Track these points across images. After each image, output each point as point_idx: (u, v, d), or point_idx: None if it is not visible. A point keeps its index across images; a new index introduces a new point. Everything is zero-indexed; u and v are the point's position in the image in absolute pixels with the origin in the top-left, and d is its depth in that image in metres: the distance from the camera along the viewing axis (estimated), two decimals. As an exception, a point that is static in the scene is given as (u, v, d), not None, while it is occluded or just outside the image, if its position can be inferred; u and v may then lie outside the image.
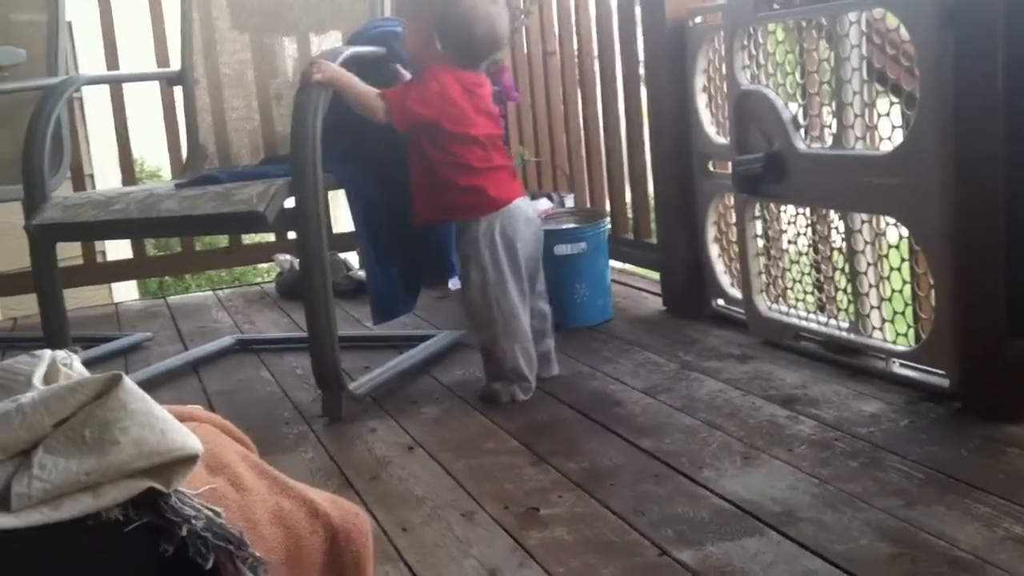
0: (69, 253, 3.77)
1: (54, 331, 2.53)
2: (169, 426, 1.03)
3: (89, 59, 4.52)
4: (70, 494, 0.97)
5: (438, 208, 2.38)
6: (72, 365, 1.19)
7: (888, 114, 2.23)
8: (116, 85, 3.86)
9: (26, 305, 3.30)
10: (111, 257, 4.38)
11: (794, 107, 2.44)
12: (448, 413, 2.29)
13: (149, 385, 2.43)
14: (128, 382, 1.05)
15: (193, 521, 0.98)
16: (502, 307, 2.31)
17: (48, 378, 1.13)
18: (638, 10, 3.08)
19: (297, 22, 2.92)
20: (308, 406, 2.40)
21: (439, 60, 2.30)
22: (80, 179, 3.86)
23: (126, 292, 5.24)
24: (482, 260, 2.30)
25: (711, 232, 2.82)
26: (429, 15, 2.32)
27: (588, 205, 3.63)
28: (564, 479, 1.84)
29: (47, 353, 1.18)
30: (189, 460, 1.02)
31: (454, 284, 2.71)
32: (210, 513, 1.00)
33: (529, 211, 2.39)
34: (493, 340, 2.33)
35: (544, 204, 3.18)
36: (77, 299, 3.68)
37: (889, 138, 2.19)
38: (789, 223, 2.55)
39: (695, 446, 1.94)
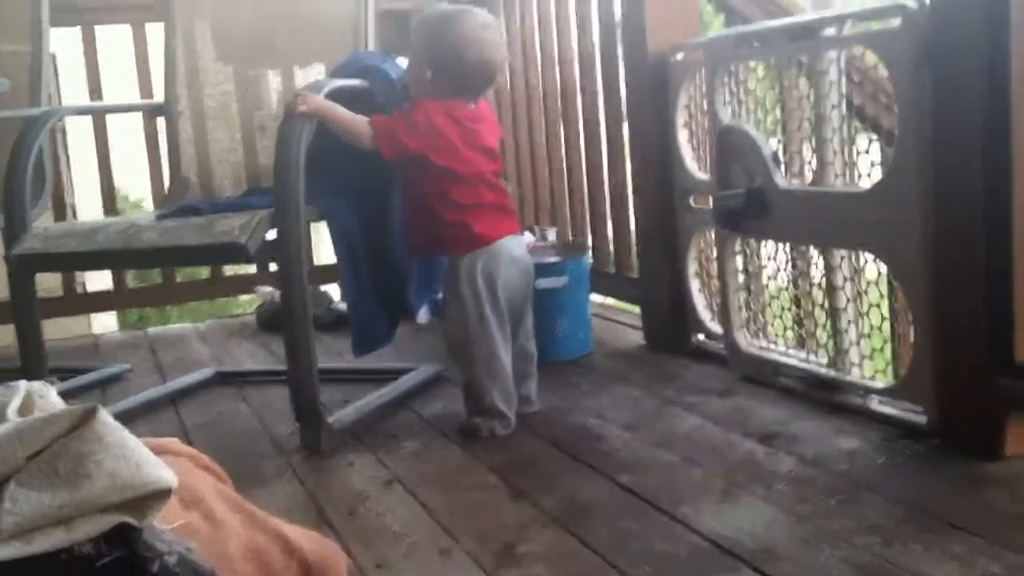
0: (49, 284, 3.75)
1: (31, 362, 2.51)
2: (144, 459, 1.02)
3: (73, 90, 4.52)
4: (42, 528, 0.96)
5: (428, 240, 2.38)
6: (48, 397, 1.18)
7: (867, 151, 2.25)
8: (99, 116, 3.86)
9: (3, 335, 3.27)
10: (91, 288, 4.36)
11: (774, 143, 2.46)
12: (427, 447, 2.28)
13: (126, 417, 2.41)
14: (104, 414, 1.04)
15: (166, 556, 0.97)
16: (482, 344, 2.30)
17: (23, 410, 1.12)
18: (620, 46, 3.11)
19: (281, 55, 2.92)
20: (286, 439, 2.38)
21: (432, 92, 2.30)
22: (61, 210, 3.84)
23: (106, 323, 5.21)
24: (463, 296, 2.30)
25: (692, 267, 2.83)
26: (421, 45, 2.33)
27: (570, 239, 3.64)
28: (542, 515, 1.83)
29: (22, 384, 1.17)
30: (163, 494, 1.01)
31: (422, 317, 2.70)
32: (183, 548, 0.99)
33: (516, 250, 2.37)
34: (472, 376, 2.32)
35: (527, 238, 3.18)
36: (56, 330, 3.66)
37: (868, 175, 2.21)
38: (769, 259, 2.56)
39: (674, 482, 1.94)
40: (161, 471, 1.01)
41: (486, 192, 2.34)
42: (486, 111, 2.38)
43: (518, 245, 2.39)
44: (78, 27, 3.81)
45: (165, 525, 1.02)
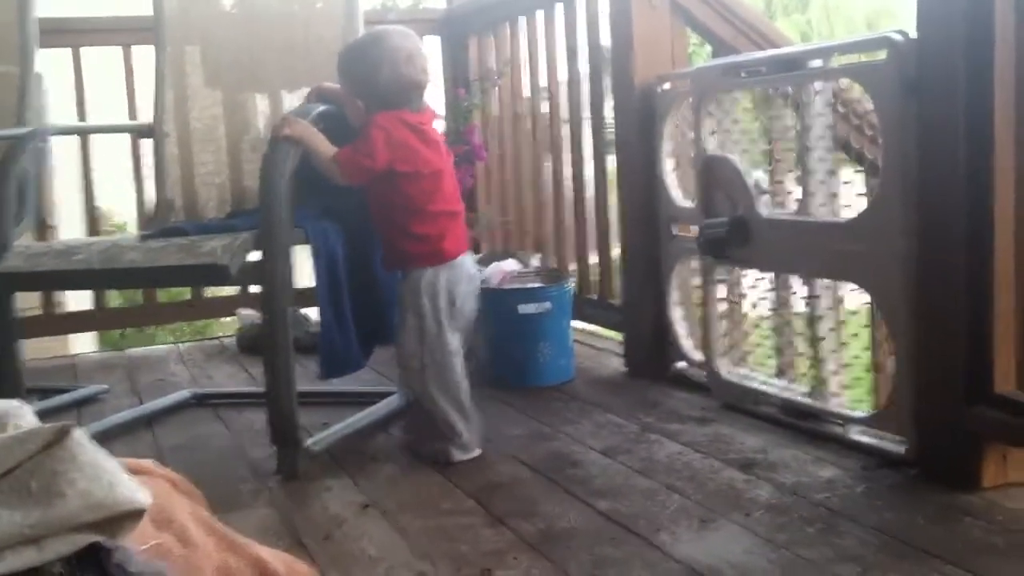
0: (29, 303, 3.73)
1: (8, 381, 2.50)
2: (117, 479, 1.01)
3: (59, 111, 4.51)
4: (13, 547, 0.95)
5: (394, 259, 2.37)
6: (24, 416, 1.17)
7: (851, 182, 2.26)
8: (84, 137, 3.85)
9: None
10: (71, 308, 4.33)
11: (759, 173, 2.47)
12: (405, 471, 2.27)
13: (102, 438, 2.37)
14: (78, 433, 1.03)
15: (137, 576, 0.96)
16: (436, 358, 2.29)
17: (-3, 428, 1.11)
18: (608, 76, 3.12)
19: (270, 79, 2.93)
20: (263, 463, 2.37)
21: (374, 109, 2.29)
22: (43, 230, 3.82)
23: (85, 343, 5.18)
24: (422, 309, 2.28)
25: (675, 295, 2.83)
26: (344, 78, 2.35)
27: (553, 265, 3.64)
28: (520, 540, 1.82)
29: (-2, 402, 1.16)
30: (136, 514, 1.00)
31: None
32: (155, 569, 0.98)
33: (472, 269, 2.38)
34: (423, 391, 2.30)
35: (510, 264, 3.18)
36: (34, 349, 3.64)
37: (852, 206, 2.22)
38: (752, 287, 2.57)
39: (653, 509, 1.93)
40: (135, 491, 1.01)
41: (451, 194, 2.33)
42: (426, 111, 2.35)
43: (472, 263, 2.41)
44: (67, 48, 3.80)
45: (138, 546, 1.01)
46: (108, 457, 1.03)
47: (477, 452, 2.31)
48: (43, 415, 1.25)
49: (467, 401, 2.33)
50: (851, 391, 2.28)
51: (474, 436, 2.33)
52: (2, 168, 2.59)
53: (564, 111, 3.54)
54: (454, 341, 2.30)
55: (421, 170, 2.27)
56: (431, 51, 4.01)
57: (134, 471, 1.09)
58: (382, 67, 2.26)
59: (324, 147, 2.26)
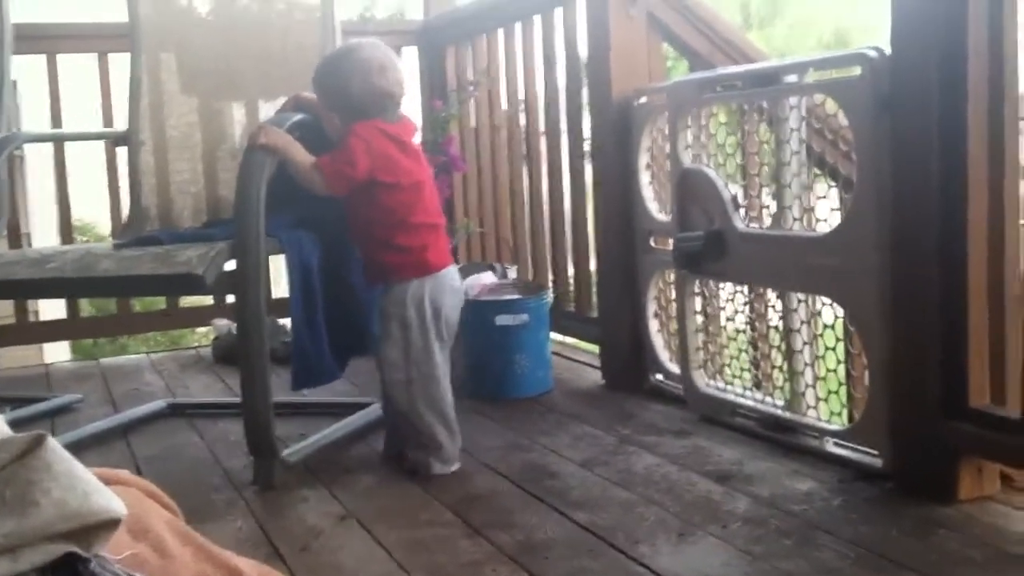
0: (2, 312, 3.70)
1: (-19, 390, 2.47)
2: (92, 488, 1.00)
3: (34, 119, 4.48)
4: (-14, 557, 0.94)
5: (376, 272, 2.35)
6: (-4, 425, 1.16)
7: (826, 197, 2.27)
8: (59, 145, 3.83)
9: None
10: (44, 317, 4.30)
11: (734, 187, 2.48)
12: (383, 483, 2.26)
13: (76, 448, 2.36)
14: (52, 442, 1.02)
15: (113, 587, 0.95)
16: (422, 370, 2.27)
17: (-31, 437, 1.10)
18: (585, 89, 3.13)
19: (247, 88, 2.92)
20: (240, 473, 2.35)
21: (348, 122, 2.28)
22: (16, 238, 3.80)
23: (59, 353, 5.15)
24: (407, 320, 2.26)
25: (651, 307, 2.84)
26: (319, 94, 2.34)
27: (531, 277, 3.64)
28: (498, 552, 1.82)
29: (-30, 411, 1.15)
30: (112, 524, 0.99)
31: None
32: (131, 579, 0.97)
33: (456, 281, 2.37)
34: (408, 403, 2.29)
35: (488, 278, 3.18)
36: (7, 359, 3.61)
37: (826, 220, 2.24)
38: (727, 300, 2.58)
39: (631, 521, 1.93)
40: (110, 501, 0.99)
41: (431, 206, 2.32)
42: (406, 122, 2.34)
43: (456, 276, 2.39)
44: (42, 55, 3.78)
45: (114, 556, 1.00)
46: (81, 466, 1.02)
47: (457, 466, 2.30)
48: (16, 425, 1.24)
49: (452, 414, 2.32)
50: (827, 404, 2.29)
51: (456, 451, 2.32)
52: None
53: (541, 123, 3.54)
54: (440, 353, 2.29)
55: (401, 181, 2.25)
56: (409, 62, 4.03)
57: (108, 480, 1.08)
58: (353, 78, 2.26)
59: (301, 156, 2.24)
